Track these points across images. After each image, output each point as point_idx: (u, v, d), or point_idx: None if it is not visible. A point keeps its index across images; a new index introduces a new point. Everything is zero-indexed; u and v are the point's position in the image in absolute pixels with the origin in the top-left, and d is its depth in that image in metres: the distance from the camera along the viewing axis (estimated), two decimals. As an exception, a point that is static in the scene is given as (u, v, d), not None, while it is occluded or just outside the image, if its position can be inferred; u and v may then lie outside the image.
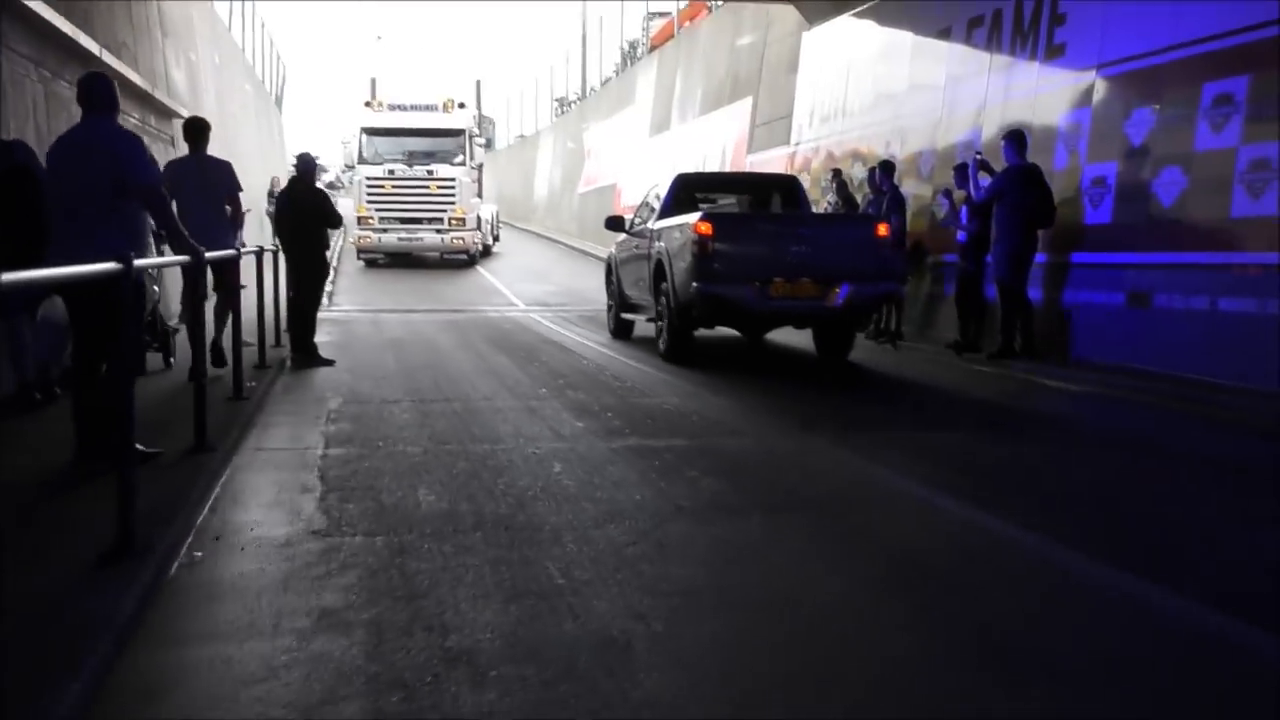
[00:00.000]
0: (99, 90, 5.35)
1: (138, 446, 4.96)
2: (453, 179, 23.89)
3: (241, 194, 8.97)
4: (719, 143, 20.64)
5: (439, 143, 24.30)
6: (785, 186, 12.62)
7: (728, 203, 12.80)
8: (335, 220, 10.48)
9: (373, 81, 26.10)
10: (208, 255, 5.93)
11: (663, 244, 10.50)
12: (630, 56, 33.75)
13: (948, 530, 4.79)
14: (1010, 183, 9.90)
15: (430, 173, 23.85)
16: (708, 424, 7.19)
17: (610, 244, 13.64)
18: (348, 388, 8.62)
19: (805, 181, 15.29)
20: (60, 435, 5.37)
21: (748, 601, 3.80)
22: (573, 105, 38.63)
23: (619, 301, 12.68)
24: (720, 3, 22.99)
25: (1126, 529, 4.74)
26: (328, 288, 13.83)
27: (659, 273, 10.51)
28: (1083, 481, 5.74)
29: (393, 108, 24.71)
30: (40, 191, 6.35)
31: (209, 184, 8.53)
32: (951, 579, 4.06)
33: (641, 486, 5.36)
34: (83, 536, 4.01)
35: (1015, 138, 9.99)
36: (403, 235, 23.78)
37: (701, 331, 10.53)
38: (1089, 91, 10.14)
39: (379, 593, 3.72)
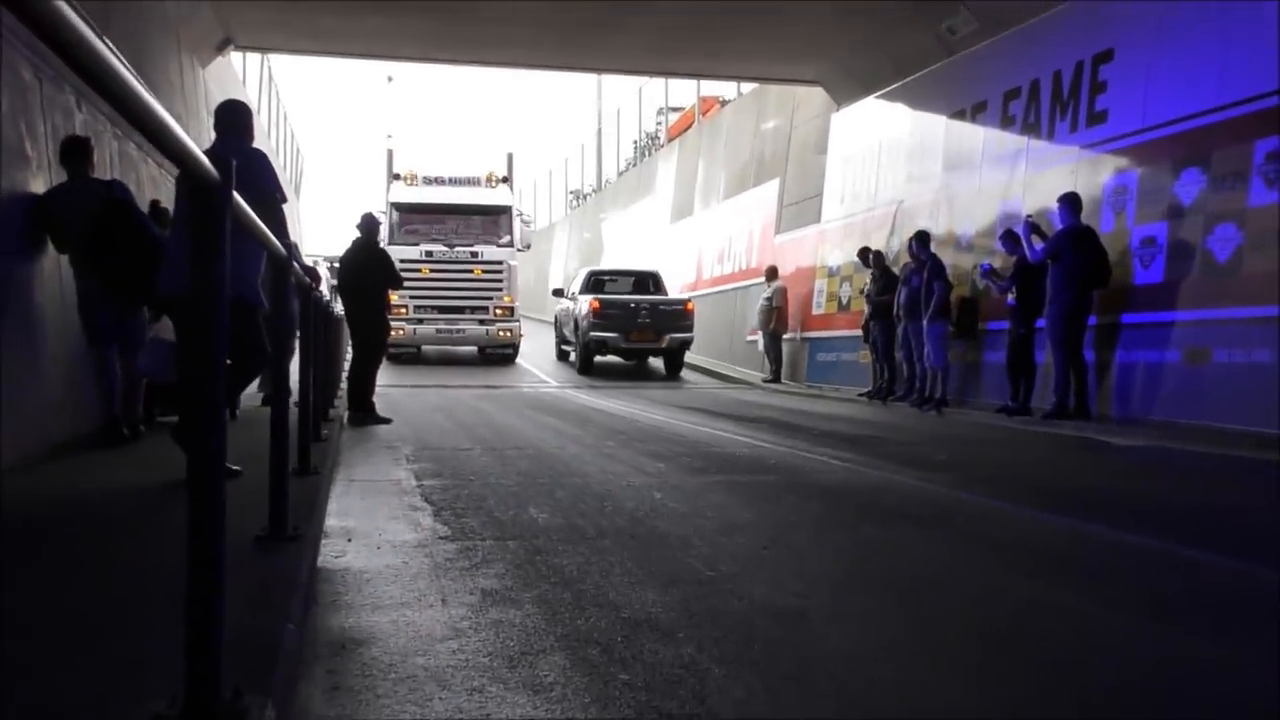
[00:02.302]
0: (227, 116, 5.53)
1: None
2: (500, 263, 20.88)
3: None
4: (746, 224, 20.87)
5: (481, 221, 21.29)
6: (653, 275, 21.49)
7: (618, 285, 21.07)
8: (397, 281, 10.62)
9: (389, 154, 23.47)
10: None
11: (578, 308, 19.53)
12: (646, 149, 34.32)
13: (1058, 533, 4.90)
14: (1065, 243, 10.06)
15: (474, 255, 20.81)
16: (788, 467, 7.20)
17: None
18: (414, 438, 8.65)
19: (845, 254, 15.57)
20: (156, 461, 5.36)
21: (898, 584, 3.81)
22: (588, 198, 39.17)
23: (559, 338, 21.87)
24: (740, 92, 23.44)
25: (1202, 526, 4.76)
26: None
27: (575, 325, 19.71)
28: (1167, 501, 5.76)
29: (428, 181, 21.68)
30: (142, 225, 6.49)
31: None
32: (1083, 565, 4.10)
33: (747, 508, 5.38)
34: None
35: (1070, 199, 10.18)
36: (441, 326, 20.59)
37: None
38: (1135, 155, 10.37)
39: (533, 579, 3.71)
